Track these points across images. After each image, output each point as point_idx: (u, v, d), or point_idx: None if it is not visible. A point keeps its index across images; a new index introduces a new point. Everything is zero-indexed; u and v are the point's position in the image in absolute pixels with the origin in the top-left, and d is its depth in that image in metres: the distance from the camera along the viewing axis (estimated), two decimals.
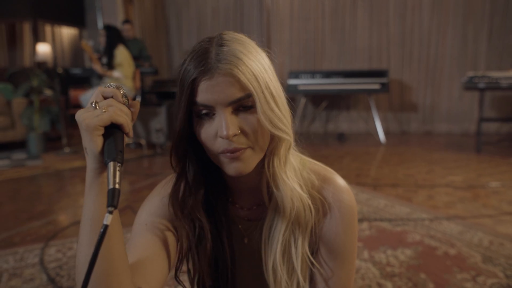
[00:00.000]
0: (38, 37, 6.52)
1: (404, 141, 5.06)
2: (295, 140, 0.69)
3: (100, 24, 6.22)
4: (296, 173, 0.68)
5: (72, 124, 5.99)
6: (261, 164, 0.65)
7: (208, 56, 0.58)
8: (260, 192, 0.69)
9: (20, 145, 4.71)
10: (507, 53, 5.19)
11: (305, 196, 0.66)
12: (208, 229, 0.68)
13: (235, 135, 0.58)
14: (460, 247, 1.86)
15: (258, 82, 0.58)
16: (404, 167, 3.54)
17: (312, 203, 0.67)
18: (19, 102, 4.64)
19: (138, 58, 5.14)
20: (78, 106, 4.78)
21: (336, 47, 5.86)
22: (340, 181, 0.71)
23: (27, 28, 6.74)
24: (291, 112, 0.65)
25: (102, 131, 0.50)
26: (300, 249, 0.67)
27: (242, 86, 0.57)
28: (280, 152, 0.64)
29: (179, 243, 0.71)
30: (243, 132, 0.59)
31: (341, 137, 5.18)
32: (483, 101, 4.17)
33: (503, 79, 3.92)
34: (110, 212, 0.45)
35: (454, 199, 2.59)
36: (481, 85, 3.97)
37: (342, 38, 5.81)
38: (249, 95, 0.58)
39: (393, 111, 5.74)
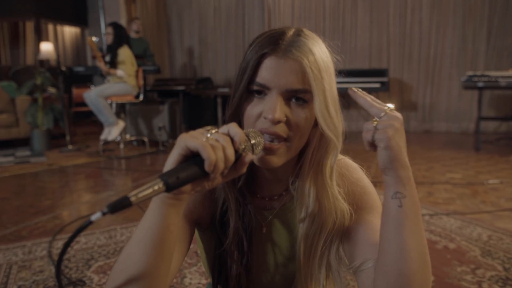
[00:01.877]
0: (40, 36, 6.55)
1: None
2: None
3: (102, 23, 6.26)
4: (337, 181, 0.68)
5: (75, 122, 6.04)
6: (291, 159, 0.66)
7: (283, 38, 0.59)
8: (282, 183, 0.71)
9: (24, 142, 4.76)
10: (506, 53, 5.23)
11: (347, 208, 0.67)
12: (252, 206, 0.69)
13: (279, 122, 0.58)
14: (460, 242, 1.90)
15: (322, 80, 0.58)
16: None
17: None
18: (22, 100, 4.68)
19: (142, 57, 5.18)
20: (81, 103, 4.82)
21: (336, 46, 5.89)
22: (355, 168, 0.74)
23: (30, 27, 6.78)
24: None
25: (185, 151, 0.48)
26: (334, 252, 0.69)
27: (305, 79, 0.58)
28: (327, 164, 0.65)
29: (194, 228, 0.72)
30: (287, 122, 0.59)
31: None
32: (482, 100, 4.21)
33: (502, 78, 3.96)
34: (103, 213, 0.42)
35: (454, 196, 2.64)
36: (480, 84, 4.01)
37: (343, 37, 5.85)
38: (307, 90, 0.59)
39: None
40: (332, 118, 0.61)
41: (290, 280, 0.74)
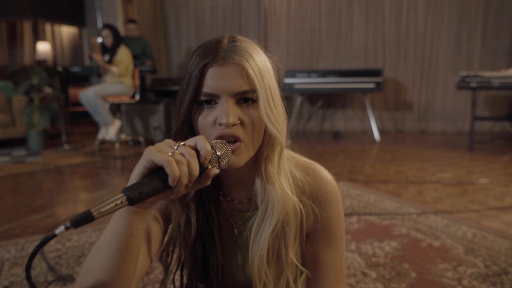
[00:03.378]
0: (38, 36, 6.58)
1: (399, 140, 5.13)
2: (291, 139, 0.72)
3: (99, 23, 6.29)
4: (288, 177, 0.70)
5: (72, 121, 6.07)
6: (253, 161, 0.68)
7: (221, 46, 0.62)
8: (251, 187, 0.72)
9: (20, 142, 4.79)
10: (500, 54, 5.27)
11: (296, 200, 0.68)
12: (194, 219, 0.70)
13: (234, 125, 0.60)
14: (444, 240, 1.93)
15: (263, 80, 0.61)
16: (397, 164, 3.62)
17: (303, 206, 0.70)
18: (19, 100, 4.72)
19: (139, 56, 5.21)
20: (78, 103, 4.86)
21: (332, 46, 5.93)
22: (324, 173, 0.75)
23: (27, 26, 6.81)
24: (287, 119, 0.67)
25: (150, 165, 0.50)
26: (290, 251, 0.70)
27: (249, 80, 0.61)
28: (274, 158, 0.67)
29: (168, 227, 0.74)
30: (241, 123, 0.62)
31: (337, 136, 5.25)
32: (475, 100, 4.25)
33: (495, 78, 4.00)
34: (66, 227, 0.44)
35: (443, 195, 2.67)
36: (473, 85, 4.04)
37: (338, 37, 5.88)
38: (254, 90, 0.61)
39: (388, 110, 5.81)
40: (274, 115, 0.63)
41: None
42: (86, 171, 3.59)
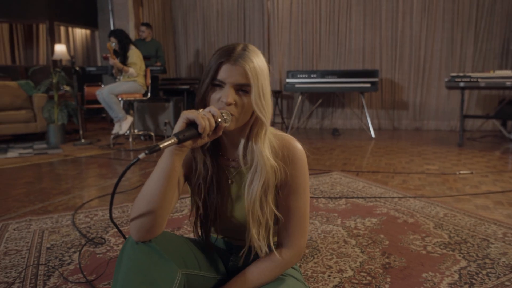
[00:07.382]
0: (53, 37, 6.95)
1: (394, 136, 5.41)
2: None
3: (112, 26, 6.62)
4: (269, 147, 0.98)
5: (87, 118, 6.43)
6: (241, 129, 0.97)
7: (234, 51, 0.90)
8: (240, 149, 1.03)
9: (40, 136, 5.16)
10: (492, 56, 5.53)
11: (275, 163, 0.97)
12: (209, 161, 1.02)
13: (230, 104, 0.89)
14: (419, 218, 2.23)
15: (257, 80, 0.90)
16: (388, 157, 3.91)
17: (277, 165, 1.00)
18: (39, 97, 5.08)
19: (152, 57, 5.55)
20: (93, 101, 5.20)
21: (332, 48, 6.24)
22: (295, 143, 1.03)
23: (43, 28, 7.18)
24: (273, 112, 1.01)
25: (186, 121, 0.82)
26: (270, 200, 1.00)
27: (247, 78, 0.89)
28: (261, 134, 0.96)
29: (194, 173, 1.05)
30: (236, 105, 0.90)
31: (335, 132, 5.55)
32: (464, 98, 4.53)
33: (481, 78, 4.28)
34: (146, 153, 0.76)
35: (425, 183, 2.96)
36: (462, 84, 4.33)
37: (338, 40, 6.18)
38: (248, 85, 0.89)
39: (385, 108, 6.10)
40: (262, 104, 0.92)
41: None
42: (102, 161, 3.93)
